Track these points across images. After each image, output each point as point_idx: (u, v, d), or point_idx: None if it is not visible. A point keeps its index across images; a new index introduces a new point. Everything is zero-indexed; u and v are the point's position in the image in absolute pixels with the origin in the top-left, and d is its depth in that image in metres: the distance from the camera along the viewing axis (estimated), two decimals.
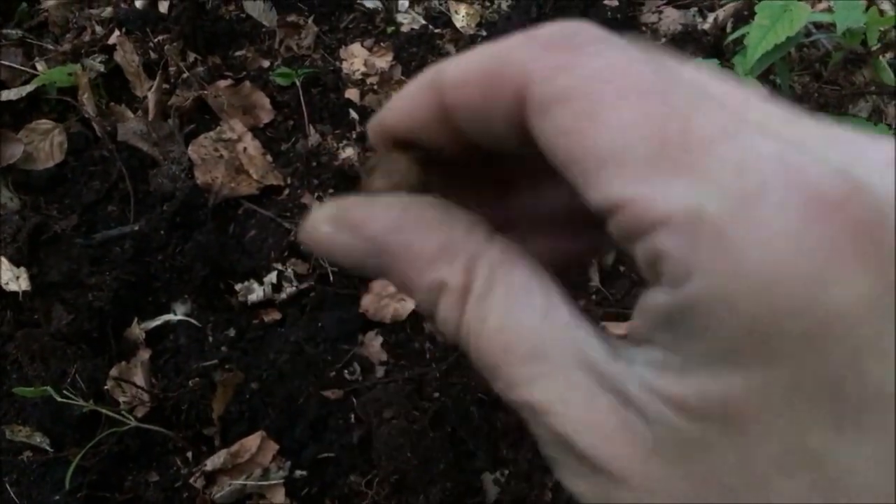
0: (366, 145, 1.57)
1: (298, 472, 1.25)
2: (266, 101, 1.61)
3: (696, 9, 1.73)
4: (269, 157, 1.55)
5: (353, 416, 1.32)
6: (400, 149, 0.30)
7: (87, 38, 1.65)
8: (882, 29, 1.39)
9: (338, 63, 1.67)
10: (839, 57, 1.55)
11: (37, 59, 1.62)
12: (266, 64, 1.68)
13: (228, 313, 1.43)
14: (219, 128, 1.57)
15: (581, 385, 0.23)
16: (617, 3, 1.64)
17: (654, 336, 0.23)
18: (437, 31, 1.72)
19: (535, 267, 0.26)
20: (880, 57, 1.48)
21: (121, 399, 1.26)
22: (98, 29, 1.66)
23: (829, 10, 1.47)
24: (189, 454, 1.25)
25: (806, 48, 1.64)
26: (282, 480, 1.23)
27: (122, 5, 1.69)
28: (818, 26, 1.55)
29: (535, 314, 0.25)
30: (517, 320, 0.25)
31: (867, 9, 1.35)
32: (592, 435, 0.23)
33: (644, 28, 1.69)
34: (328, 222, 0.28)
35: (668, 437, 0.22)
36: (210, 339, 1.39)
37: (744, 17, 1.62)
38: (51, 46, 1.63)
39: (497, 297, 0.25)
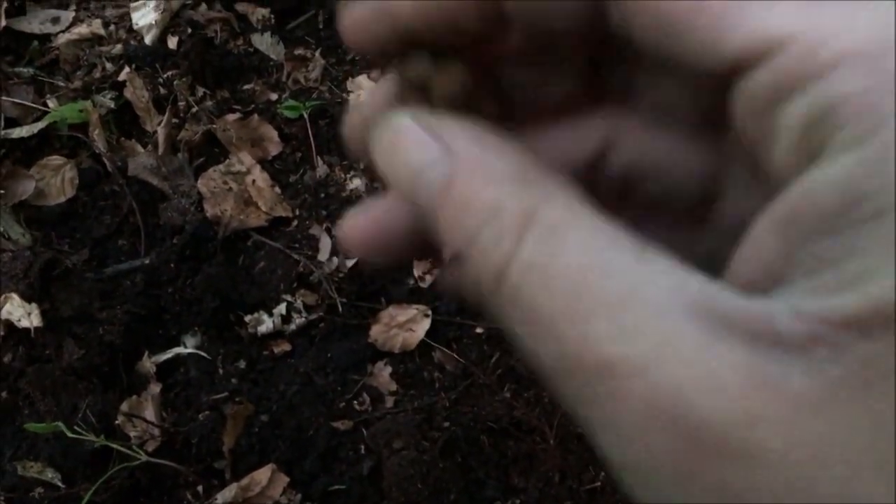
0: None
1: None
2: (274, 134, 1.62)
3: None
4: (277, 189, 1.57)
5: (363, 446, 1.32)
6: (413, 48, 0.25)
7: (97, 74, 1.67)
8: None
9: (345, 95, 1.69)
10: None
11: (48, 96, 1.64)
12: (274, 97, 1.70)
13: (238, 345, 1.44)
14: (228, 161, 1.58)
15: (694, 335, 0.17)
16: None
17: (804, 252, 0.16)
18: None
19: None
20: None
21: (132, 434, 1.26)
22: (108, 66, 1.68)
23: None
24: (200, 488, 1.26)
25: None
26: None
27: (132, 42, 1.71)
28: None
29: (627, 253, 0.19)
30: (605, 258, 0.18)
31: None
32: (717, 396, 0.16)
33: None
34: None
35: (850, 371, 0.15)
36: (220, 371, 1.40)
37: None
38: (62, 84, 1.66)
39: (576, 230, 0.19)
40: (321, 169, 1.59)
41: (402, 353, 1.42)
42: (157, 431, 1.27)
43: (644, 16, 0.18)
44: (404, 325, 1.42)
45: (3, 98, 1.61)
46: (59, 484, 1.22)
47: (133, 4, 1.74)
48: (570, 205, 0.20)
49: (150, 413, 1.29)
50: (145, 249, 1.51)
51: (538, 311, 0.18)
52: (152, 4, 1.72)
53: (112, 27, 1.73)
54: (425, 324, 1.41)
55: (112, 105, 1.62)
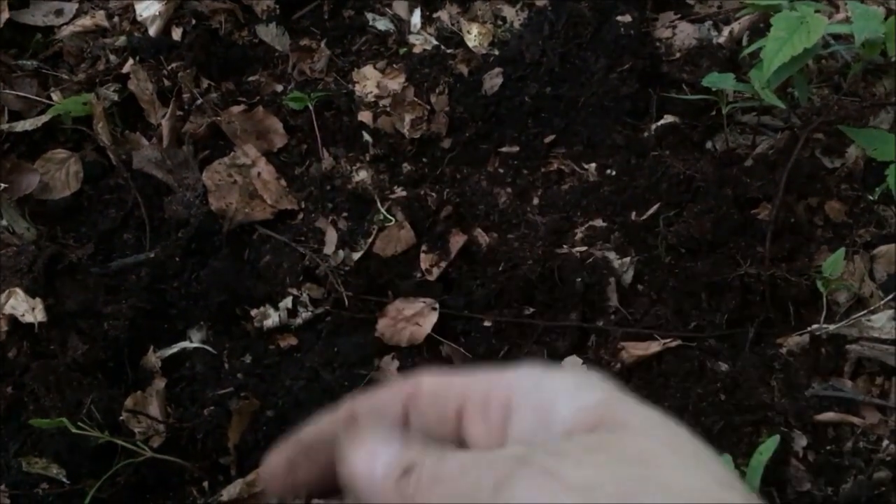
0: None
1: (315, 501, 1.23)
2: (279, 126, 1.61)
3: (710, 22, 1.71)
4: (282, 182, 1.55)
5: None
6: None
7: (101, 67, 1.66)
8: None
9: (350, 86, 1.67)
10: (859, 68, 1.53)
11: (52, 89, 1.63)
12: (279, 88, 1.68)
13: (245, 339, 1.42)
14: (233, 153, 1.57)
15: None
16: (630, 19, 1.62)
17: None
18: (449, 51, 1.71)
19: None
20: None
21: (136, 429, 1.25)
22: (112, 58, 1.67)
23: (847, 20, 1.44)
24: (205, 484, 1.24)
25: (824, 60, 1.62)
26: None
27: (136, 34, 1.70)
28: (836, 37, 1.53)
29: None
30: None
31: (886, 18, 1.32)
32: None
33: (658, 43, 1.67)
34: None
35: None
36: (226, 365, 1.39)
37: (760, 30, 1.60)
38: (65, 76, 1.65)
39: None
40: (327, 161, 1.57)
41: (409, 347, 1.40)
42: (161, 427, 1.26)
43: None
44: (411, 319, 1.41)
45: (7, 91, 1.60)
46: (64, 480, 1.21)
47: None
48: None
49: (154, 409, 1.28)
50: (150, 243, 1.50)
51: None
52: None
53: (116, 19, 1.72)
54: (433, 317, 1.40)
55: (116, 98, 1.61)
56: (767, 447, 1.14)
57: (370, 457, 0.35)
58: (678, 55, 1.66)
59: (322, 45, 1.73)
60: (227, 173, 1.55)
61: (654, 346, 1.33)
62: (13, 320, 1.33)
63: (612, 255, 1.43)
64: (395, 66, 1.69)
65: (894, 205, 1.42)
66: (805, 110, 1.54)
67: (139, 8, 1.70)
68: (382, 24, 1.77)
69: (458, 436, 0.36)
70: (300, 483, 0.40)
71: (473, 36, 1.72)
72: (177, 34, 1.69)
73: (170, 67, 1.64)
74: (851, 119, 1.51)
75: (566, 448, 0.30)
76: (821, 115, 1.50)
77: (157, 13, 1.68)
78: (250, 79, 1.69)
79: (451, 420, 0.36)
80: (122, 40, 1.68)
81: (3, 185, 1.50)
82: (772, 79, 1.33)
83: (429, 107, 1.61)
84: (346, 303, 1.43)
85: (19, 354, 1.33)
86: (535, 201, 1.55)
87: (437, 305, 1.40)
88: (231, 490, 1.21)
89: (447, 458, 0.32)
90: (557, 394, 0.33)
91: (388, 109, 1.61)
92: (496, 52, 1.68)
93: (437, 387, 0.37)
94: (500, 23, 1.75)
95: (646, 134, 1.57)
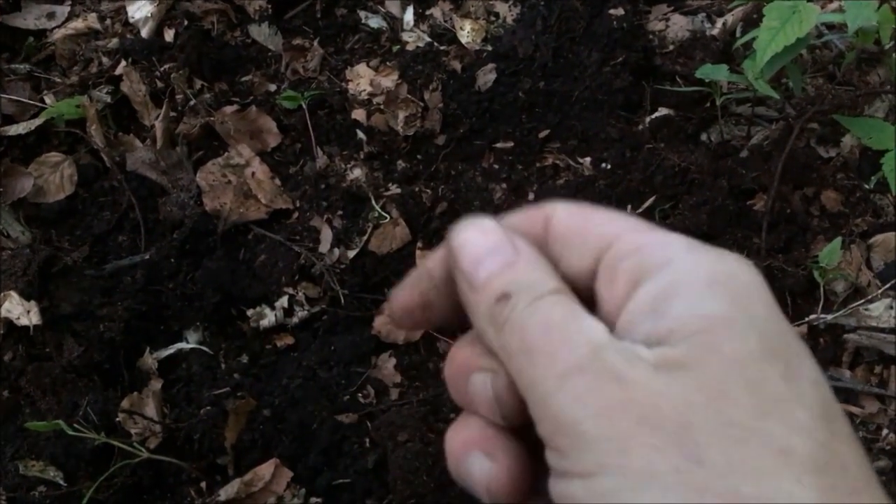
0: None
1: (313, 500, 1.23)
2: (273, 125, 1.60)
3: (703, 14, 1.71)
4: (277, 181, 1.55)
5: (367, 440, 1.30)
6: None
7: (93, 69, 1.66)
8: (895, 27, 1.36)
9: (344, 84, 1.66)
10: (852, 57, 1.52)
11: (45, 92, 1.62)
12: (272, 88, 1.68)
13: (241, 340, 1.42)
14: (227, 153, 1.56)
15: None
16: (623, 12, 1.62)
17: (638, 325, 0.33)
18: (442, 48, 1.71)
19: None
20: (895, 54, 1.45)
21: (133, 431, 1.25)
22: (104, 60, 1.66)
23: (840, 9, 1.44)
24: (203, 484, 1.24)
25: (818, 49, 1.61)
26: None
27: (128, 35, 1.69)
28: (830, 27, 1.52)
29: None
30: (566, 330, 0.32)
31: (879, 7, 1.32)
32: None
33: (651, 36, 1.67)
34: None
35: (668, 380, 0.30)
36: (223, 366, 1.38)
37: (753, 20, 1.60)
38: (58, 79, 1.64)
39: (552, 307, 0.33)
40: (321, 160, 1.57)
41: (406, 345, 1.40)
42: (158, 428, 1.26)
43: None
44: None
45: (0, 95, 1.60)
46: (61, 482, 1.21)
47: None
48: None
49: (151, 409, 1.28)
50: (145, 245, 1.49)
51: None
52: None
53: (108, 21, 1.71)
54: None
55: (109, 100, 1.61)
56: None
57: (479, 248, 0.34)
58: (671, 47, 1.65)
59: (315, 43, 1.73)
60: (222, 173, 1.54)
61: None
62: (8, 323, 1.33)
63: None
64: (388, 63, 1.69)
65: (890, 193, 1.41)
66: (799, 100, 1.53)
67: (131, 10, 1.70)
68: (375, 22, 1.77)
69: (590, 284, 0.34)
70: (433, 319, 0.38)
71: (466, 32, 1.72)
72: (169, 35, 1.69)
73: (162, 69, 1.63)
74: (846, 108, 1.50)
75: (647, 356, 0.29)
76: (815, 104, 1.49)
77: (149, 14, 1.68)
78: (243, 79, 1.68)
79: (586, 269, 0.34)
80: (114, 42, 1.68)
81: None
82: (765, 69, 1.32)
83: (422, 104, 1.60)
84: (342, 301, 1.43)
85: (15, 358, 1.32)
86: (531, 196, 1.54)
87: None
88: (229, 490, 1.21)
89: (539, 309, 0.32)
90: (682, 286, 0.31)
91: (381, 107, 1.61)
92: (489, 48, 1.68)
93: (574, 222, 0.36)
94: (492, 19, 1.75)
95: (640, 127, 1.56)
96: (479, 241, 0.34)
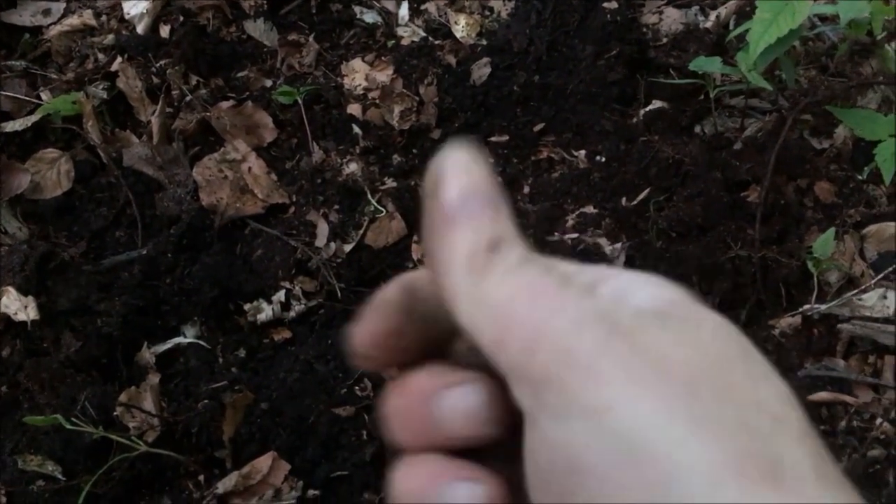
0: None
1: (311, 493, 1.24)
2: (269, 121, 1.61)
3: (697, 7, 1.71)
4: (273, 176, 1.55)
5: (364, 432, 1.30)
6: None
7: (90, 66, 1.66)
8: (888, 18, 1.37)
9: (339, 79, 1.67)
10: (845, 48, 1.53)
11: (41, 88, 1.63)
12: (268, 83, 1.68)
13: (238, 334, 1.43)
14: (223, 149, 1.57)
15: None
16: (616, 5, 1.62)
17: None
18: (437, 42, 1.71)
19: None
20: (887, 45, 1.45)
21: (131, 424, 1.25)
22: (100, 56, 1.67)
23: (833, 1, 1.44)
24: (201, 477, 1.25)
25: (811, 41, 1.62)
26: (294, 501, 1.22)
27: (124, 32, 1.70)
28: (822, 18, 1.53)
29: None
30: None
31: None
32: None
33: (645, 29, 1.67)
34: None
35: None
36: (220, 360, 1.39)
37: (746, 13, 1.60)
38: (54, 76, 1.65)
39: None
40: (317, 154, 1.57)
41: None
42: (156, 421, 1.26)
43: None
44: None
45: None
46: (60, 476, 1.22)
47: None
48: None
49: (149, 403, 1.28)
50: (142, 240, 1.50)
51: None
52: None
53: (103, 17, 1.72)
54: None
55: (105, 96, 1.61)
56: None
57: (474, 186, 0.31)
58: (665, 40, 1.66)
59: (310, 39, 1.74)
60: (218, 169, 1.55)
61: None
62: (6, 319, 1.34)
63: (603, 241, 1.44)
64: (383, 58, 1.69)
65: (883, 184, 1.42)
66: (792, 92, 1.54)
67: (127, 6, 1.70)
68: (370, 17, 1.77)
69: None
70: (406, 349, 0.34)
71: (461, 27, 1.72)
72: (165, 31, 1.69)
73: (158, 65, 1.64)
74: (839, 99, 1.51)
75: (646, 318, 0.29)
76: (808, 96, 1.50)
77: (145, 11, 1.69)
78: (239, 74, 1.69)
79: None
80: (110, 39, 1.68)
81: None
82: (758, 61, 1.33)
83: (418, 98, 1.61)
84: (339, 295, 1.43)
85: (13, 353, 1.33)
86: (526, 190, 1.55)
87: None
88: (226, 483, 1.22)
89: (533, 260, 0.30)
90: (634, 282, 0.30)
91: (377, 102, 1.62)
92: (484, 43, 1.68)
93: None
94: (487, 13, 1.75)
95: (634, 120, 1.57)
96: (473, 180, 0.32)
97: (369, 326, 0.34)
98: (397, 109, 1.59)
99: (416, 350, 0.34)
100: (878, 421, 1.28)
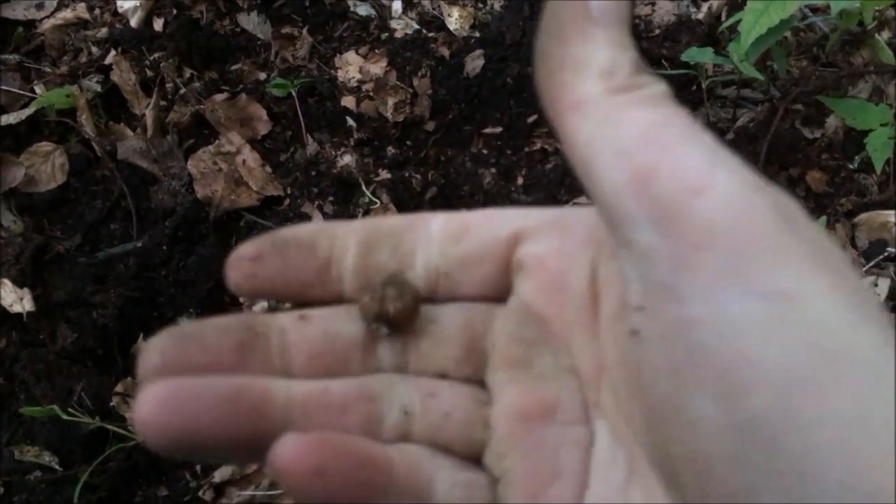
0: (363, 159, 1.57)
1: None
2: (263, 113, 1.61)
3: None
4: (268, 168, 1.56)
5: None
6: None
7: (83, 59, 1.66)
8: (878, 8, 1.38)
9: (333, 72, 1.67)
10: (836, 38, 1.54)
11: (35, 82, 1.63)
12: (262, 76, 1.68)
13: None
14: (217, 141, 1.57)
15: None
16: None
17: None
18: (430, 35, 1.71)
19: None
20: (878, 36, 1.46)
21: (127, 415, 1.26)
22: (94, 50, 1.67)
23: None
24: (198, 467, 1.25)
25: (802, 32, 1.63)
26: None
27: (117, 25, 1.70)
28: (814, 9, 1.54)
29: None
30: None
31: None
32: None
33: (637, 20, 1.68)
34: None
35: None
36: None
37: (738, 4, 1.61)
38: (48, 69, 1.65)
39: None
40: (311, 147, 1.58)
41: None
42: None
43: None
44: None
45: None
46: (56, 467, 1.22)
47: None
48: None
49: None
50: (137, 233, 1.50)
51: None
52: None
53: (97, 11, 1.72)
54: None
55: (99, 89, 1.61)
56: None
57: None
58: (657, 31, 1.67)
59: (304, 32, 1.74)
60: (212, 161, 1.55)
61: None
62: (2, 311, 1.34)
63: None
64: (377, 51, 1.69)
65: (874, 173, 1.43)
66: (784, 82, 1.55)
67: None
68: (364, 10, 1.77)
69: None
70: (287, 280, 0.33)
71: (454, 19, 1.73)
72: (158, 24, 1.69)
73: (152, 58, 1.64)
74: (830, 89, 1.52)
75: (793, 209, 0.28)
76: (800, 86, 1.51)
77: (138, 4, 1.69)
78: (233, 67, 1.69)
79: None
80: (103, 32, 1.68)
81: None
82: (750, 51, 1.34)
83: (411, 90, 1.61)
84: None
85: (8, 345, 1.33)
86: (520, 181, 1.56)
87: None
88: (223, 472, 1.22)
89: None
90: None
91: (370, 94, 1.62)
92: (477, 35, 1.69)
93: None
94: (480, 5, 1.76)
95: None
96: None
97: (260, 241, 0.34)
98: (391, 101, 1.59)
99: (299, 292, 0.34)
100: None
